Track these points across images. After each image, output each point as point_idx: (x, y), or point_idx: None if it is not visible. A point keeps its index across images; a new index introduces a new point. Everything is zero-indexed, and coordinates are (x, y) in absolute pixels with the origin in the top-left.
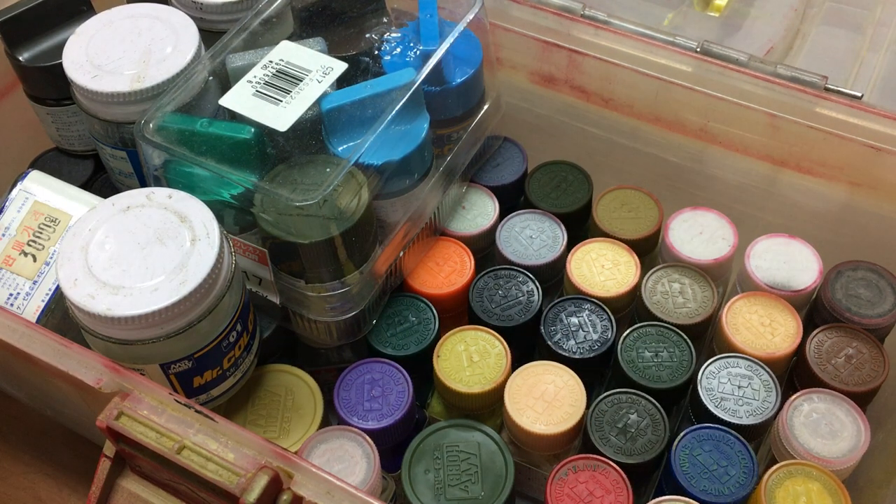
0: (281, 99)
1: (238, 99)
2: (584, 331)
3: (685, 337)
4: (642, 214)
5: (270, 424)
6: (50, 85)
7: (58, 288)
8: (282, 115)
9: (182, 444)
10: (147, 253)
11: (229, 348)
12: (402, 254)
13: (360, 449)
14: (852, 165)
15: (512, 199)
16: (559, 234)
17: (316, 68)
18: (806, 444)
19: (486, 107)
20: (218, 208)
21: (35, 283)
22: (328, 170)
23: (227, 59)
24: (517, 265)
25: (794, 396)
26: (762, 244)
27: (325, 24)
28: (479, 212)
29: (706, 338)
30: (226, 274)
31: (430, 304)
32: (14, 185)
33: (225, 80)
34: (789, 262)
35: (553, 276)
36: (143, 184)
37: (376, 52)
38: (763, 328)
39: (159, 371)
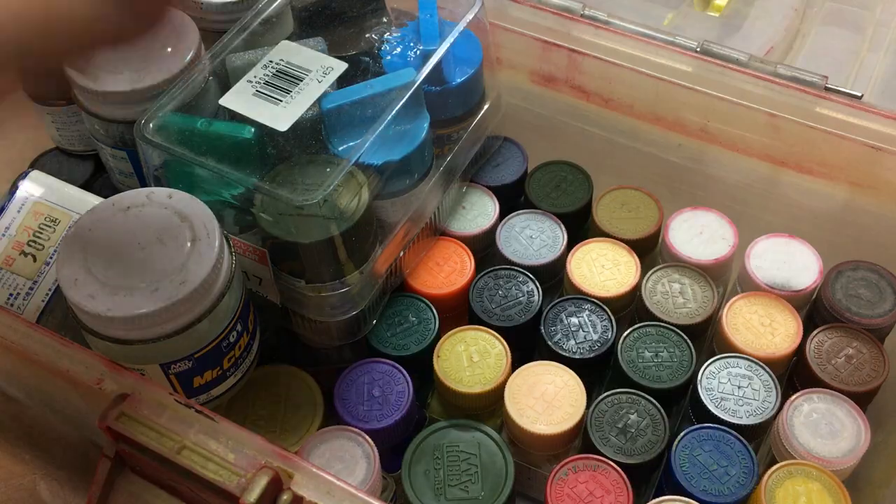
0: (281, 99)
1: (238, 99)
2: (584, 331)
3: (685, 337)
4: (642, 214)
5: (270, 424)
6: (50, 85)
7: (58, 288)
8: (282, 115)
9: (182, 444)
10: (147, 253)
11: (229, 348)
12: (402, 254)
13: (360, 449)
14: (852, 165)
15: (512, 199)
16: (559, 234)
17: (316, 68)
18: (806, 444)
19: (486, 107)
20: (218, 208)
21: (35, 283)
22: (328, 170)
23: (227, 59)
24: (517, 265)
25: (794, 396)
26: (762, 244)
27: (325, 24)
28: (479, 212)
29: (706, 338)
30: (226, 274)
31: (430, 304)
32: (14, 185)
33: (225, 80)
34: (789, 262)
35: (553, 276)
36: (143, 184)
37: (376, 52)
38: (763, 328)
39: (159, 371)
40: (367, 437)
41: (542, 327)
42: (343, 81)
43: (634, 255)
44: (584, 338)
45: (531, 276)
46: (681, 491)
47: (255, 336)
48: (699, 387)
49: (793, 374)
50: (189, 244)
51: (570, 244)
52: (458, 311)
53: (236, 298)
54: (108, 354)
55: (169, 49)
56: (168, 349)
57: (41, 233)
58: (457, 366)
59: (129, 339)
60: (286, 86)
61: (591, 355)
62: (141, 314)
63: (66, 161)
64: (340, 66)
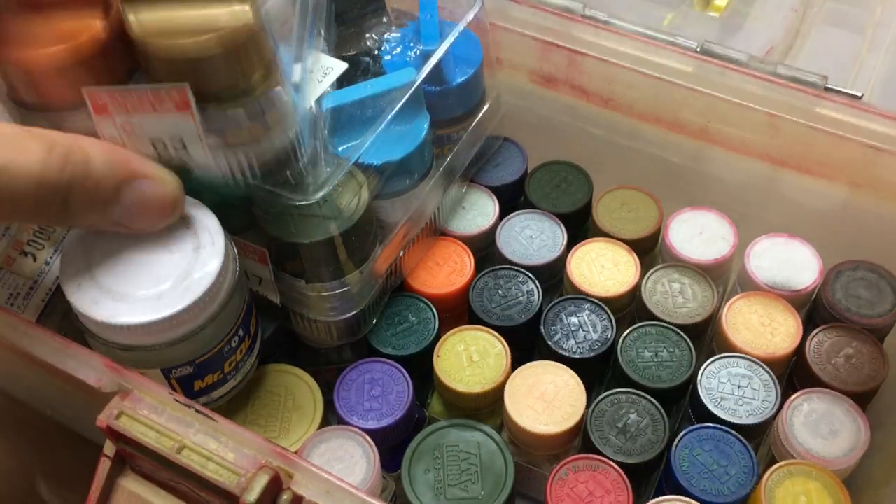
0: None
1: None
2: (584, 331)
3: (685, 337)
4: (642, 214)
5: (270, 424)
6: None
7: (58, 288)
8: None
9: (182, 443)
10: (151, 259)
11: (231, 353)
12: (402, 254)
13: (360, 449)
14: (852, 165)
15: (512, 199)
16: (559, 234)
17: (316, 68)
18: (806, 443)
19: (486, 107)
20: (218, 208)
21: (35, 283)
22: (328, 170)
23: None
24: (517, 265)
25: (793, 396)
26: (762, 244)
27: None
28: (479, 212)
29: (706, 338)
30: (230, 281)
31: (430, 304)
32: None
33: None
34: (789, 262)
35: (553, 276)
36: None
37: (376, 52)
38: (763, 328)
39: (160, 375)
40: (367, 437)
41: (542, 327)
42: (343, 81)
43: (634, 254)
44: (584, 337)
45: (531, 275)
46: (681, 491)
47: (256, 339)
48: (699, 386)
49: (792, 374)
50: (194, 251)
51: (570, 244)
52: (458, 310)
53: (239, 304)
54: (109, 357)
55: None
56: (170, 355)
57: (41, 232)
58: (457, 365)
59: (131, 345)
60: None
61: (591, 355)
62: (144, 322)
63: None
64: (340, 66)
